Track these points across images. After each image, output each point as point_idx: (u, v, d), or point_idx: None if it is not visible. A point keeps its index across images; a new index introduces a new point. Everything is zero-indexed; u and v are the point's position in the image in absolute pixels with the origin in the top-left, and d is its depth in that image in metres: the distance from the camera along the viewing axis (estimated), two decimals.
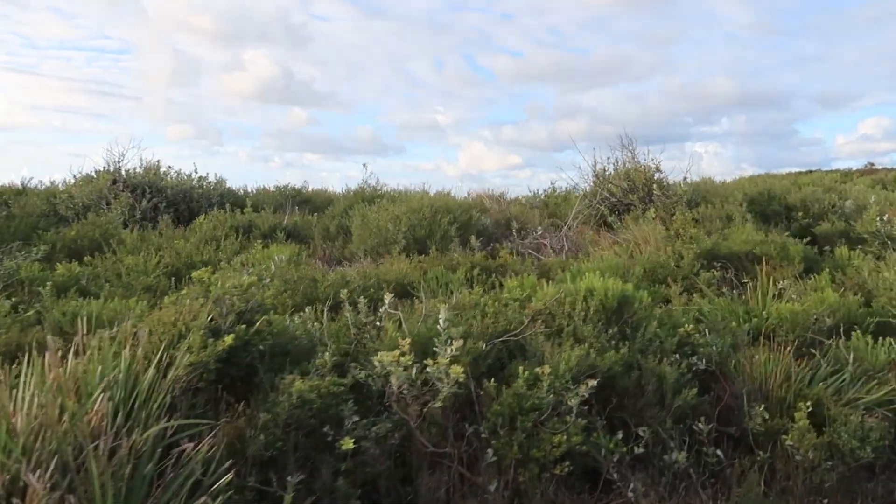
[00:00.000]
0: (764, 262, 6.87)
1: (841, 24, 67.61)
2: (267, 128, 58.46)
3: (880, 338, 4.37)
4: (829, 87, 68.48)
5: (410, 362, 2.61)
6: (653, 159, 9.37)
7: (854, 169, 24.84)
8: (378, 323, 3.80)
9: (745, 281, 6.56)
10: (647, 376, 3.18)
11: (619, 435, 2.92)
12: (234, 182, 12.22)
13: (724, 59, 69.84)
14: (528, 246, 8.07)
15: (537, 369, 2.94)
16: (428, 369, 2.59)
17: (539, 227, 8.42)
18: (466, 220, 8.51)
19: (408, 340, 2.66)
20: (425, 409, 2.71)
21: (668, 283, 6.33)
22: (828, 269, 6.48)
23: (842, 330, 4.19)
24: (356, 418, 2.65)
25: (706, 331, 3.62)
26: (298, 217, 9.74)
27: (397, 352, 2.62)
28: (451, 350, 2.65)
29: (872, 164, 25.07)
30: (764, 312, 4.91)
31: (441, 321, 3.05)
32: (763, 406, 3.08)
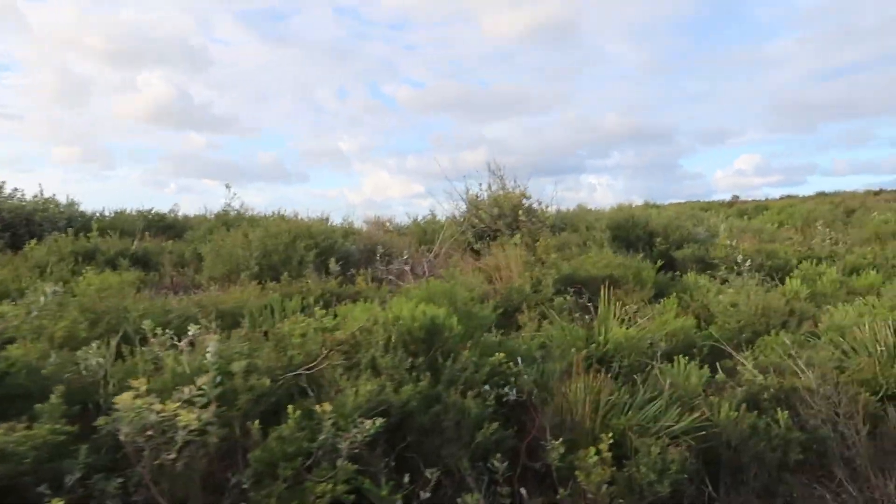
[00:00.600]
0: (607, 287, 6.92)
1: (722, 65, 73.29)
2: (162, 152, 55.59)
3: (708, 362, 4.39)
4: (709, 124, 73.91)
5: (145, 406, 2.23)
6: (519, 186, 9.41)
7: (724, 201, 26.49)
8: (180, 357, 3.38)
9: (598, 305, 6.58)
10: (447, 411, 2.94)
11: (406, 478, 2.65)
12: (122, 206, 11.15)
13: (617, 96, 74.01)
14: (392, 272, 7.81)
15: (316, 407, 2.63)
16: (159, 415, 2.21)
17: (405, 253, 8.18)
18: (329, 246, 8.17)
19: (143, 381, 2.28)
20: (170, 460, 2.33)
21: (521, 309, 6.25)
22: (675, 293, 6.60)
23: (659, 355, 4.13)
24: (79, 474, 2.23)
25: (519, 359, 3.43)
26: (150, 243, 9.04)
27: (130, 394, 2.24)
28: (192, 390, 2.29)
29: (737, 197, 26.87)
30: (601, 338, 4.85)
31: (209, 355, 2.70)
32: (561, 440, 2.90)
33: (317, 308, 4.13)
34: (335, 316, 4.21)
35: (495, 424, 2.92)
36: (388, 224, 13.71)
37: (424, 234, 12.01)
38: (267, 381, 2.86)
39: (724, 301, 5.43)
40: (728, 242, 8.18)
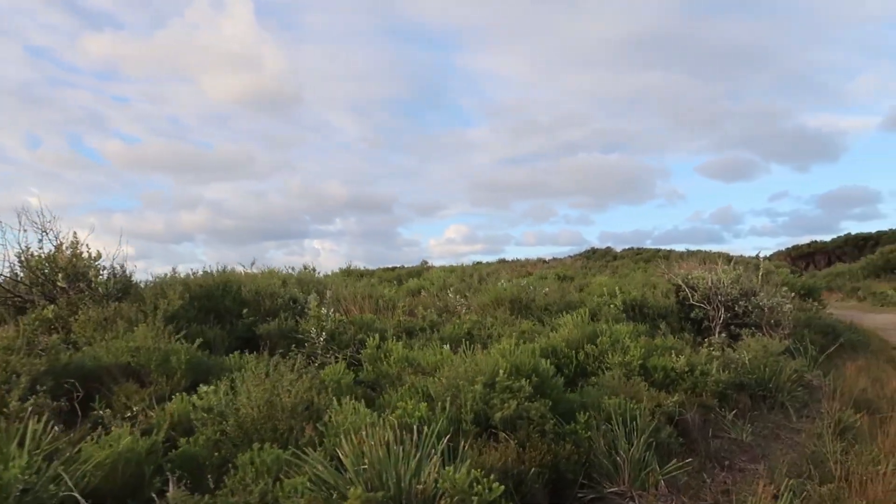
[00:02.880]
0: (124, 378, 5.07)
1: (432, 144, 78.99)
2: None
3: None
4: (422, 197, 78.77)
5: None
6: (68, 245, 7.15)
7: (421, 266, 26.72)
8: None
9: (97, 408, 4.72)
10: None
11: None
12: None
13: (339, 166, 74.81)
14: None
15: None
16: None
17: None
18: None
19: None
20: None
21: None
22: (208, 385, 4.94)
23: None
24: None
25: None
26: None
27: None
28: None
29: (426, 262, 27.40)
30: None
31: None
32: None
33: None
34: None
35: None
36: None
37: None
38: None
39: (200, 404, 3.87)
40: (321, 312, 6.88)
